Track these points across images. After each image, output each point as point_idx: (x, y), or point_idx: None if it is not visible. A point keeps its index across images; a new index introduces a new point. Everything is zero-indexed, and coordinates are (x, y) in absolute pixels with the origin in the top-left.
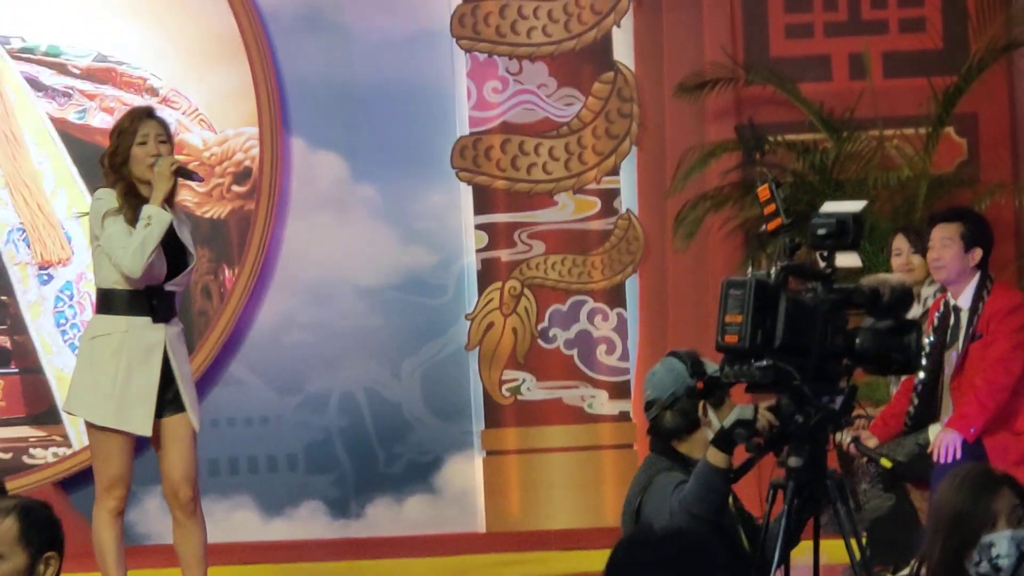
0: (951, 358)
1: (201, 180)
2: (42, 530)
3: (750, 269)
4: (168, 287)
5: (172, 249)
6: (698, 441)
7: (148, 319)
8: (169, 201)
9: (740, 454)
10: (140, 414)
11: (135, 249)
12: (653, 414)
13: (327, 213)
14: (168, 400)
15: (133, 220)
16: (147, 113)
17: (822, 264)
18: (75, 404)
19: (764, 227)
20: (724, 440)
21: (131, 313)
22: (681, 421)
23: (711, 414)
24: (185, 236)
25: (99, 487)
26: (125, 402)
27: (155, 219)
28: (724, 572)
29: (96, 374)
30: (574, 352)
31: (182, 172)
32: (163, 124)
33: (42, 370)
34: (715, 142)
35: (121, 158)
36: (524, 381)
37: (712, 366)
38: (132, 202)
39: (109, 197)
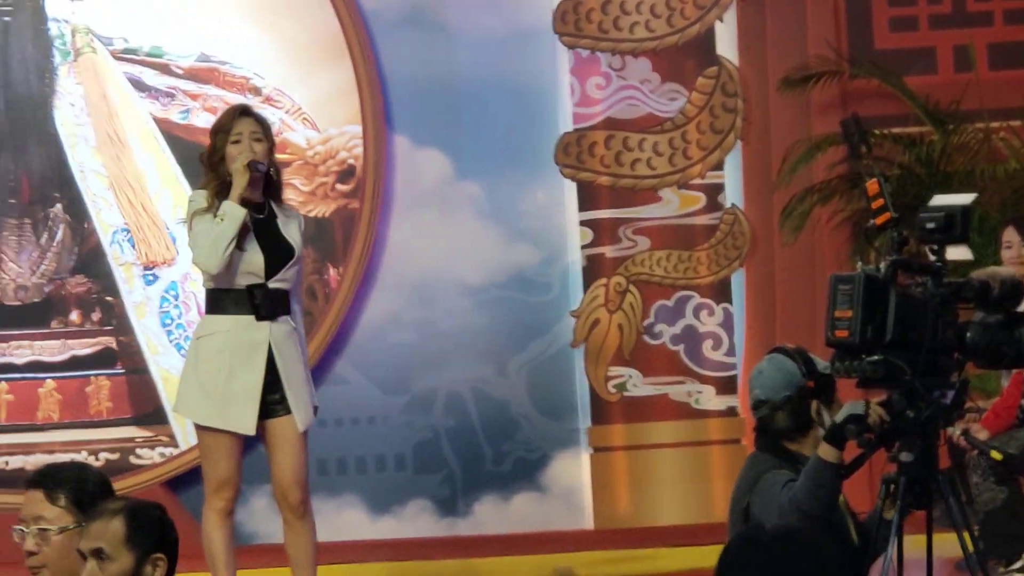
0: None
1: (268, 168)
2: (150, 531)
3: (859, 264)
4: (272, 284)
5: (273, 245)
6: (810, 440)
7: (251, 317)
8: (275, 197)
9: (851, 450)
10: (243, 413)
11: (209, 246)
12: (762, 414)
13: (431, 211)
14: (275, 401)
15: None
16: (242, 111)
17: (932, 258)
18: (181, 405)
19: (872, 221)
20: (835, 436)
21: (235, 312)
22: (793, 421)
23: (824, 413)
24: (290, 232)
25: (207, 487)
26: (228, 401)
27: (228, 215)
28: (836, 570)
29: (200, 374)
30: (680, 348)
31: (251, 164)
32: (259, 122)
33: (148, 370)
34: (821, 136)
35: (217, 156)
36: (630, 377)
37: (821, 363)
38: (222, 201)
39: (199, 198)
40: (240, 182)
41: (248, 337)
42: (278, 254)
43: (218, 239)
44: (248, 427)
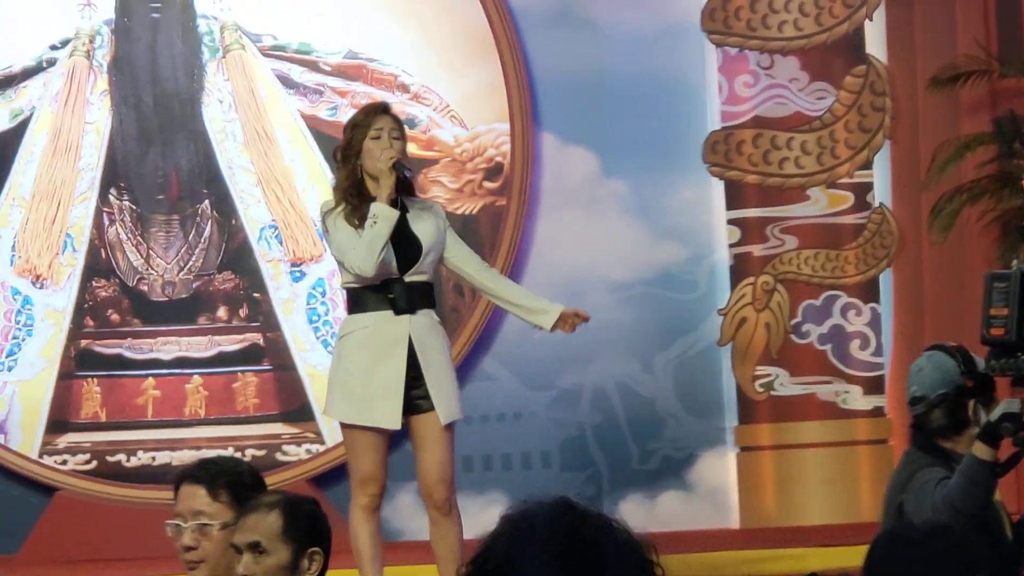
0: None
1: (411, 173)
2: (306, 525)
3: (1015, 261)
4: (408, 278)
5: (404, 240)
6: (965, 439)
7: (390, 312)
8: (409, 192)
9: (1006, 448)
10: (385, 408)
11: (364, 249)
12: (919, 411)
13: (578, 209)
14: (419, 396)
15: (353, 215)
16: (382, 108)
17: None
18: (328, 407)
19: None
20: (990, 434)
21: (373, 308)
22: (949, 420)
23: (982, 412)
24: (421, 226)
25: (353, 484)
26: (369, 397)
27: (381, 217)
28: (987, 568)
29: (342, 372)
30: (828, 347)
31: (398, 166)
32: (397, 121)
33: (295, 367)
34: (970, 135)
35: (354, 151)
36: (777, 376)
37: (981, 362)
38: (354, 200)
39: (328, 203)
40: (387, 183)
41: (388, 332)
42: (409, 249)
43: (373, 241)
44: (392, 422)
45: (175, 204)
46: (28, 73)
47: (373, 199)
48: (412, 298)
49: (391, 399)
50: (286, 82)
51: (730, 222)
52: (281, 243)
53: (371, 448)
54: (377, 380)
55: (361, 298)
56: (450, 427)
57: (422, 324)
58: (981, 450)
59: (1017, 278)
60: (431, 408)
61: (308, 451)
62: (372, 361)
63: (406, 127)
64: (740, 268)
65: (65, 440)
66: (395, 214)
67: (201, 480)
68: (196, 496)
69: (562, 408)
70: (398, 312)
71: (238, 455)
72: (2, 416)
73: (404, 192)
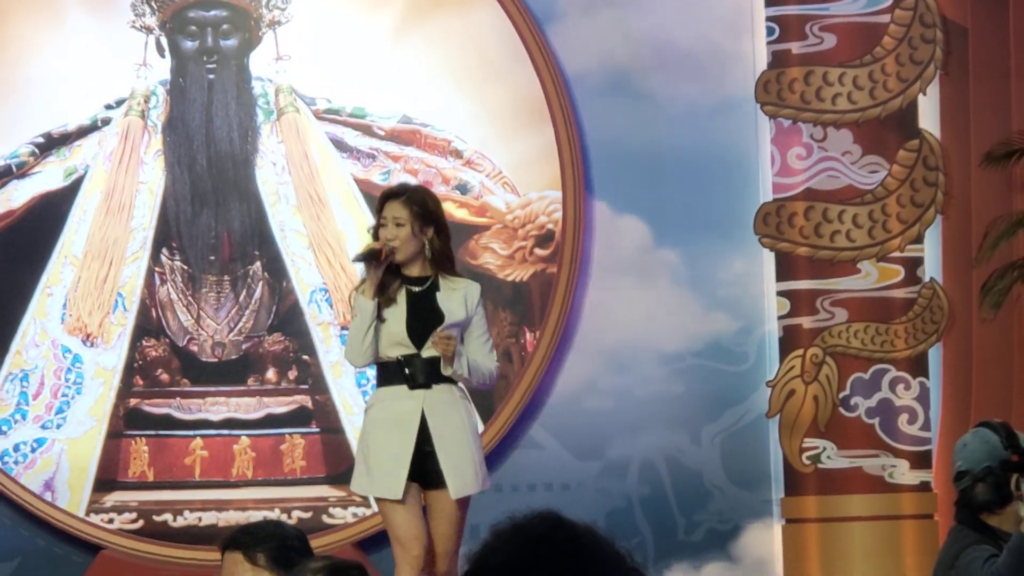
0: None
1: (377, 259)
2: None
3: None
4: (426, 353)
5: (424, 316)
6: (1009, 515)
7: (405, 387)
8: (443, 268)
9: None
10: (389, 479)
11: (348, 343)
12: (963, 485)
13: (629, 278)
14: (433, 471)
15: (374, 295)
16: (390, 195)
17: None
18: (352, 480)
19: None
20: None
21: (393, 383)
22: (994, 494)
23: None
24: (449, 303)
25: (395, 550)
26: (379, 468)
27: (358, 309)
28: None
29: (362, 445)
30: (876, 421)
31: (367, 255)
32: (407, 206)
33: (343, 430)
34: (1023, 211)
35: (372, 236)
36: (825, 449)
37: None
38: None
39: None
40: (371, 273)
41: (402, 407)
42: (428, 324)
43: (353, 335)
44: (394, 492)
45: (227, 265)
46: (83, 132)
47: (394, 278)
48: (429, 373)
49: (395, 471)
50: (340, 146)
51: (780, 294)
52: (331, 306)
53: (401, 515)
54: (387, 451)
55: (383, 372)
56: (462, 501)
57: (438, 399)
58: None
59: None
60: (444, 484)
61: (354, 514)
62: (385, 434)
63: (458, 193)
64: (789, 340)
65: (112, 499)
66: (370, 305)
67: (240, 546)
68: (236, 563)
69: (610, 478)
70: (412, 387)
71: (284, 517)
72: (50, 474)
73: (442, 268)
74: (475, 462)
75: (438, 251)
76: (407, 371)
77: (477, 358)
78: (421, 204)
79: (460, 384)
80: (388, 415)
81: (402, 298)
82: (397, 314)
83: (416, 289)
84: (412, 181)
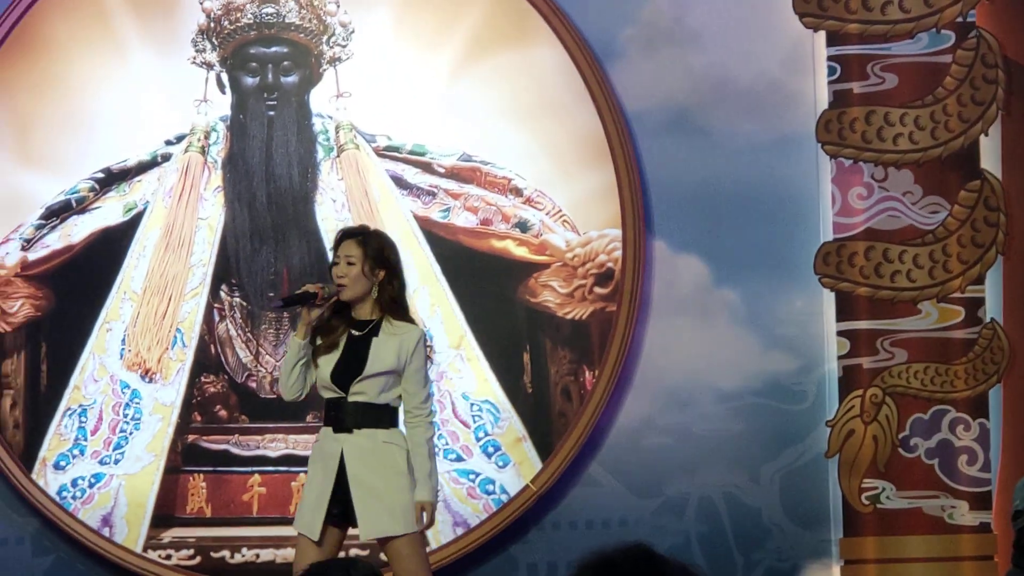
0: None
1: (312, 301)
2: None
3: None
4: (351, 398)
5: (351, 361)
6: None
7: (331, 429)
8: (394, 314)
9: None
10: (309, 517)
11: (280, 378)
12: (1020, 525)
13: (688, 317)
14: (338, 512)
15: (304, 335)
16: (347, 234)
17: None
18: None
19: None
20: None
21: (325, 423)
22: None
23: None
24: (381, 349)
25: None
26: (304, 504)
27: (288, 346)
28: None
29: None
30: (935, 461)
31: (294, 298)
32: (360, 246)
33: None
34: None
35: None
36: (884, 490)
37: None
38: (330, 319)
39: None
40: (304, 313)
41: (327, 448)
42: (353, 369)
43: (281, 371)
44: (311, 531)
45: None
46: (143, 167)
47: (346, 320)
48: (354, 418)
49: (317, 510)
50: (399, 183)
51: (840, 333)
52: None
53: (305, 550)
54: (312, 491)
55: (324, 411)
56: (410, 541)
57: (357, 443)
58: None
59: None
60: (343, 523)
61: None
62: (313, 474)
63: (518, 231)
64: (849, 380)
65: (170, 535)
66: (296, 344)
67: None
68: None
69: (668, 516)
70: (336, 430)
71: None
72: (107, 509)
73: (389, 312)
74: (391, 505)
75: (388, 296)
76: (331, 414)
77: (414, 439)
78: (375, 246)
79: (392, 429)
80: (317, 455)
81: (343, 342)
82: (331, 358)
83: (356, 333)
84: (472, 219)
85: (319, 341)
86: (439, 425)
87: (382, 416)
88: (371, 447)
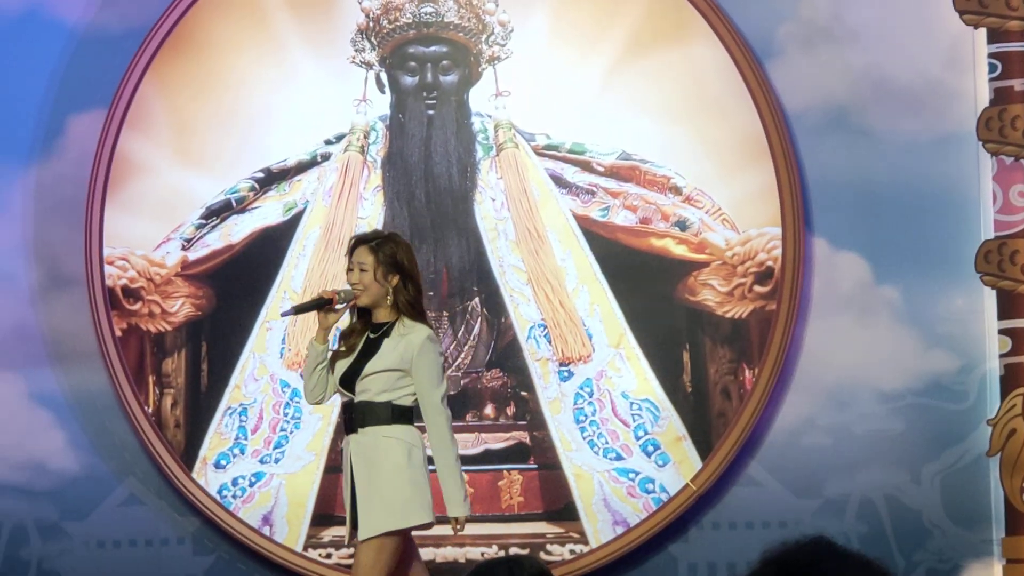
0: None
1: (328, 307)
2: None
3: None
4: (357, 398)
5: (360, 362)
6: None
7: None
8: (409, 315)
9: None
10: (347, 527)
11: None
12: None
13: (848, 315)
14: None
15: (322, 340)
16: (360, 240)
17: None
18: None
19: None
20: None
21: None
22: None
23: None
24: (387, 351)
25: None
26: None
27: (308, 352)
28: None
29: None
30: None
31: (300, 305)
32: (372, 252)
33: (560, 466)
34: None
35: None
36: None
37: None
38: (358, 318)
39: None
40: (322, 319)
41: (344, 451)
42: (359, 370)
43: (303, 376)
44: (347, 540)
45: (445, 301)
46: (302, 167)
47: (366, 324)
48: (357, 418)
49: (347, 519)
50: (559, 181)
51: (1002, 332)
52: (550, 342)
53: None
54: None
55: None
56: (371, 541)
57: (361, 443)
58: None
59: None
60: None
61: (572, 551)
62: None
63: (677, 229)
64: (1011, 378)
65: (330, 533)
66: (315, 350)
67: None
68: None
69: (827, 516)
70: (347, 432)
71: (501, 553)
72: (268, 508)
73: (407, 315)
74: (385, 501)
75: (404, 299)
76: (344, 416)
77: (434, 439)
78: (388, 252)
79: (396, 425)
80: (343, 460)
81: (360, 345)
82: (346, 362)
83: (372, 336)
84: (632, 217)
85: (341, 346)
86: (599, 424)
87: (382, 413)
88: (372, 443)
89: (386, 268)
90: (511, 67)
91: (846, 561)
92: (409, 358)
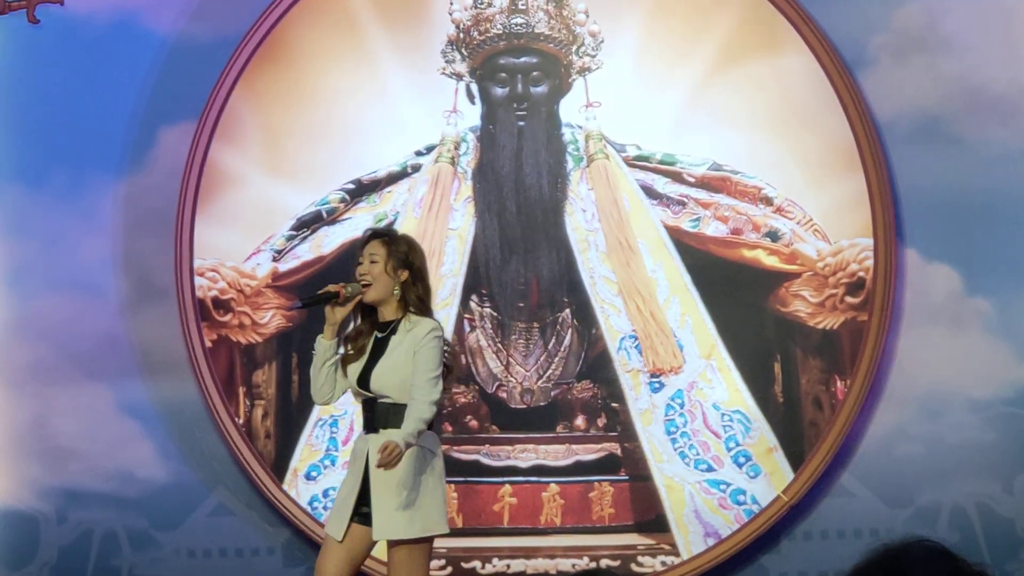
0: None
1: (335, 301)
2: None
3: None
4: (381, 400)
5: (372, 363)
6: None
7: (363, 431)
8: (417, 310)
9: None
10: (336, 519)
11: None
12: None
13: (940, 326)
14: (364, 511)
15: (331, 336)
16: (373, 234)
17: None
18: None
19: None
20: None
21: (361, 426)
22: None
23: None
24: (396, 351)
25: None
26: (334, 506)
27: (315, 348)
28: None
29: None
30: None
31: (316, 299)
32: (384, 245)
33: (651, 478)
34: None
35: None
36: None
37: None
38: (363, 320)
39: None
40: (329, 314)
41: (358, 449)
42: (378, 371)
43: (311, 375)
44: (335, 532)
45: (535, 312)
46: (393, 178)
47: (372, 320)
48: (378, 418)
49: (343, 511)
50: (649, 192)
51: None
52: (640, 353)
53: (329, 549)
54: (342, 492)
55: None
56: (411, 550)
57: (381, 443)
58: None
59: None
60: (367, 523)
61: (663, 563)
62: (346, 475)
63: (768, 240)
64: None
65: None
66: (322, 347)
67: None
68: None
69: (919, 526)
70: (366, 431)
71: (592, 565)
72: None
73: (416, 310)
74: (405, 508)
75: (414, 296)
76: (365, 415)
77: (411, 408)
78: (401, 248)
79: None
80: (351, 456)
81: (370, 345)
82: (358, 364)
83: (380, 335)
84: (723, 228)
85: (349, 349)
86: (690, 435)
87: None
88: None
89: (397, 262)
90: (601, 78)
91: (957, 567)
92: (415, 347)
